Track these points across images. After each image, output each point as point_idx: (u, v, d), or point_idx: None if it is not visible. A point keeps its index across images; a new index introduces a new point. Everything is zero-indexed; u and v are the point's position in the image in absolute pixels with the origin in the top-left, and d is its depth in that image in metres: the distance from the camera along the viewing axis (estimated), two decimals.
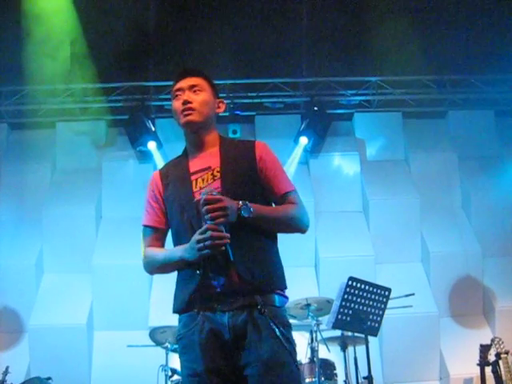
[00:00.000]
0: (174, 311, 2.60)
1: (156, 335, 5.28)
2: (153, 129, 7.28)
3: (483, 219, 7.22)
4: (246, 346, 2.41)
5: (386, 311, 5.45)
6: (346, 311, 5.22)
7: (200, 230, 2.40)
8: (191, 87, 2.65)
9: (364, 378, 5.27)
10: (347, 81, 7.63)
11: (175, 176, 2.65)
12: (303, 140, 7.35)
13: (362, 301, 5.31)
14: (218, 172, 2.56)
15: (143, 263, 2.69)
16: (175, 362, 5.48)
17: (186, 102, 2.61)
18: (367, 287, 5.34)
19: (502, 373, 5.36)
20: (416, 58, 7.20)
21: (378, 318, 5.39)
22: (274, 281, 2.54)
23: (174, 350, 5.25)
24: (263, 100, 7.56)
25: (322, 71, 7.52)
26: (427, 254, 7.06)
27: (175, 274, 2.62)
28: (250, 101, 7.58)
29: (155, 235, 2.68)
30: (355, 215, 7.32)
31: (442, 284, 6.91)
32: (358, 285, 5.30)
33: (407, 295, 5.87)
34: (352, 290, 5.27)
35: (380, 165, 7.63)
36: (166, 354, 5.18)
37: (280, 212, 2.59)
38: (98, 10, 6.86)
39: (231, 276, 2.45)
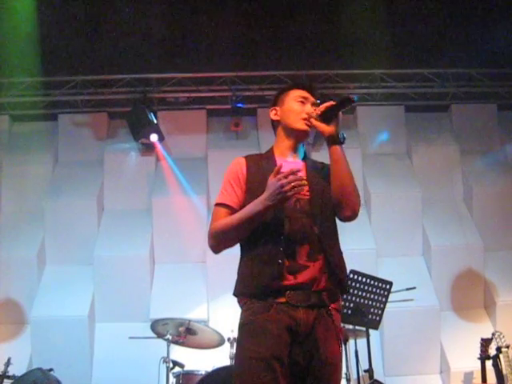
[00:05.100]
0: (240, 295, 2.68)
1: (157, 327, 5.28)
2: (155, 121, 7.26)
3: (485, 213, 7.22)
4: (311, 343, 2.55)
5: (387, 304, 5.48)
6: (347, 304, 5.25)
7: (281, 175, 2.53)
8: (314, 104, 2.86)
9: (365, 370, 5.30)
10: (349, 74, 7.61)
11: (264, 170, 2.74)
12: None
13: (364, 294, 5.33)
14: (305, 180, 2.68)
15: (212, 235, 2.72)
16: (176, 353, 5.50)
17: (310, 115, 2.79)
18: (368, 280, 5.37)
19: (503, 367, 5.37)
20: (419, 52, 7.19)
21: (379, 312, 5.41)
22: (347, 283, 2.77)
23: (175, 342, 5.27)
24: (265, 93, 7.54)
25: (324, 64, 7.50)
26: (429, 248, 7.05)
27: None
28: (252, 93, 7.57)
29: (227, 214, 2.72)
30: None
31: (444, 278, 6.91)
32: (360, 278, 5.33)
33: (408, 289, 5.89)
34: (353, 284, 5.29)
35: (382, 158, 7.62)
36: (168, 346, 5.18)
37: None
38: (99, 2, 6.86)
39: (315, 273, 2.59)
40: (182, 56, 7.29)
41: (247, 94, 7.56)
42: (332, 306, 2.63)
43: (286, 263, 2.58)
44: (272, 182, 2.55)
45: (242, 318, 2.64)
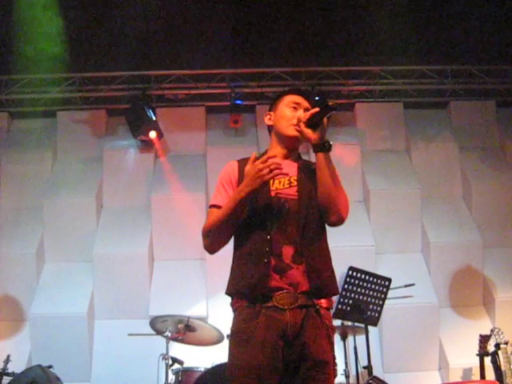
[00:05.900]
0: (231, 294, 2.72)
1: (157, 324, 5.29)
2: (154, 118, 7.26)
3: (484, 210, 7.22)
4: (300, 343, 2.55)
5: (386, 301, 5.49)
6: (346, 301, 5.27)
7: (258, 161, 2.60)
8: (306, 109, 2.84)
9: (364, 367, 5.31)
10: (348, 70, 7.61)
11: None
12: None
13: (363, 291, 5.35)
14: (295, 180, 2.78)
15: (204, 234, 2.76)
16: (175, 350, 5.51)
17: (300, 120, 2.79)
18: (367, 277, 5.38)
19: (501, 363, 5.39)
20: (418, 48, 7.19)
21: (378, 308, 5.43)
22: (333, 286, 2.73)
23: (175, 339, 5.27)
24: (264, 89, 7.54)
25: (323, 61, 7.49)
26: (427, 245, 7.06)
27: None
28: (251, 90, 7.56)
29: None
30: (356, 205, 7.30)
31: (442, 274, 6.91)
32: (359, 275, 5.34)
33: (407, 285, 5.92)
34: (352, 280, 5.31)
35: (381, 155, 7.61)
36: (167, 343, 5.19)
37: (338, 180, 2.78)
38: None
39: (298, 276, 2.60)
40: (180, 53, 7.28)
41: (246, 90, 7.55)
42: (321, 304, 2.64)
43: (272, 262, 2.60)
44: (249, 169, 2.62)
45: (233, 325, 2.67)
